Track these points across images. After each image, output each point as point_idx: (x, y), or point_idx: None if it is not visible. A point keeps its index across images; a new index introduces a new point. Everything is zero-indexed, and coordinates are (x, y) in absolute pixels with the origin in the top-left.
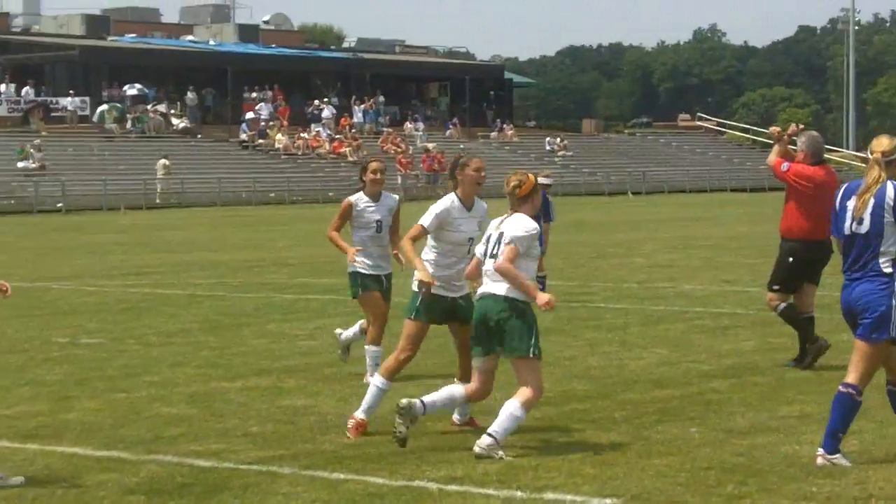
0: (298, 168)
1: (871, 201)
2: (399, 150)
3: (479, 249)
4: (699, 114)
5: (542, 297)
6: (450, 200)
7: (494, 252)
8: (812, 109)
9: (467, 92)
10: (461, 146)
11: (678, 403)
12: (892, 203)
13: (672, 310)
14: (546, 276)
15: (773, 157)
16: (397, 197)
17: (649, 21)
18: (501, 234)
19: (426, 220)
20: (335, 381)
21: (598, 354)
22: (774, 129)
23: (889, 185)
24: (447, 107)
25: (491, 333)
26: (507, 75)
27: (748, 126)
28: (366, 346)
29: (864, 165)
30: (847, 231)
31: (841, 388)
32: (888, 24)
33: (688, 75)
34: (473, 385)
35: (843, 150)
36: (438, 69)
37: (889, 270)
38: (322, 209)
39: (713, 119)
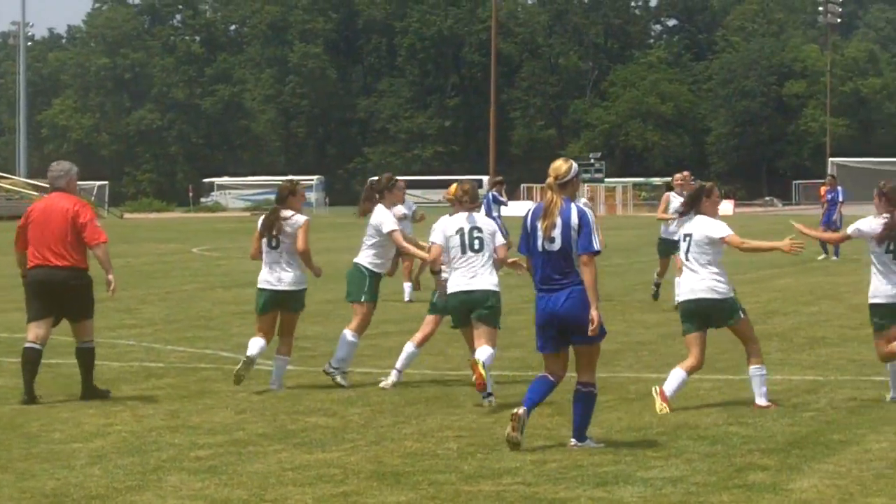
0: None
1: (559, 221)
2: None
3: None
4: None
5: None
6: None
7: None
8: None
9: None
10: None
11: None
12: (577, 222)
13: None
14: None
15: None
16: None
17: None
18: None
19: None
20: None
21: None
22: None
23: (573, 206)
24: None
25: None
26: None
27: None
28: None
29: (35, 193)
30: (540, 248)
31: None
32: (64, 41)
33: None
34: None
35: (16, 178)
36: None
37: None
38: None
39: None
